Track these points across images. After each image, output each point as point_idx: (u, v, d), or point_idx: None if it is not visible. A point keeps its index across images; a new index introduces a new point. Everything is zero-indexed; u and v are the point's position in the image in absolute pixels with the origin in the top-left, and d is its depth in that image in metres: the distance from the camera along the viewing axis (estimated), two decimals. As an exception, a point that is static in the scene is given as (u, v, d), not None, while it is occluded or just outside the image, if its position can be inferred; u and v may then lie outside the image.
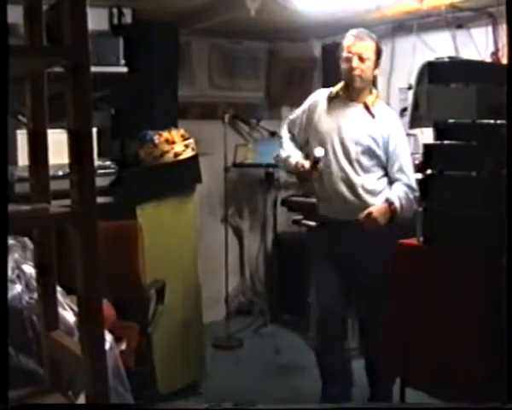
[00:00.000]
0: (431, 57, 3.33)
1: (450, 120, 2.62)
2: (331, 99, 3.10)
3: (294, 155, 3.16)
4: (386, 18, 3.98)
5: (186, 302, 3.59)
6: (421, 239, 2.68)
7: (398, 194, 2.97)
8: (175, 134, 3.49)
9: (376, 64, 3.03)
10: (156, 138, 3.44)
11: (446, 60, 2.90)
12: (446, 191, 2.61)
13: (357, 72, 2.96)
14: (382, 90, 4.43)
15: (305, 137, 3.19)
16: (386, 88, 4.42)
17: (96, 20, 3.40)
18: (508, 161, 1.83)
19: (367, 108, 3.03)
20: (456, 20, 3.75)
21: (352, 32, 3.00)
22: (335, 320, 3.18)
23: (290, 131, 3.25)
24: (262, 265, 5.18)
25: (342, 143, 3.02)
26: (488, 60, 3.56)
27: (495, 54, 3.58)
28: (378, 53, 3.02)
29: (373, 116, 3.02)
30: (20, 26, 1.46)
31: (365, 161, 3.01)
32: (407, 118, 4.08)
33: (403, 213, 2.94)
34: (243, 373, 3.81)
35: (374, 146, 3.00)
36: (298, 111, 3.25)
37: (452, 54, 3.71)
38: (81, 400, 1.58)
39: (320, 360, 3.25)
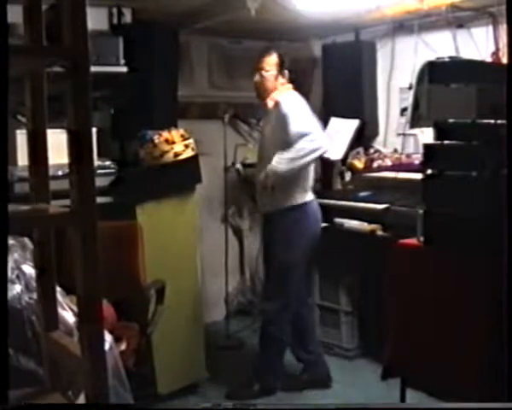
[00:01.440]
0: (431, 57, 3.32)
1: (451, 120, 2.62)
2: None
3: None
4: (387, 18, 3.98)
5: (186, 302, 3.59)
6: (422, 239, 2.68)
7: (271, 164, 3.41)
8: (175, 134, 3.49)
9: (280, 73, 3.53)
10: (156, 138, 3.43)
11: (447, 59, 2.90)
12: (447, 191, 2.61)
13: (257, 84, 3.56)
14: (383, 90, 4.44)
15: None
16: (387, 88, 4.42)
17: (96, 19, 3.40)
18: (508, 161, 1.83)
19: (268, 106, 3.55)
20: (456, 20, 3.75)
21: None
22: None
23: None
24: (262, 265, 5.17)
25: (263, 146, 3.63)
26: (489, 59, 3.56)
27: (495, 53, 3.57)
28: (280, 64, 3.53)
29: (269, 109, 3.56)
30: (20, 26, 1.46)
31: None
32: (407, 118, 4.08)
33: (277, 175, 3.39)
34: (243, 373, 3.80)
35: (280, 136, 3.41)
36: None
37: (453, 53, 3.70)
38: (81, 400, 1.57)
39: None
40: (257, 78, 3.55)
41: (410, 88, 4.05)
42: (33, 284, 1.89)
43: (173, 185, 3.51)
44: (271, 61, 3.53)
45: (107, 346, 1.84)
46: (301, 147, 3.32)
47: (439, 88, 2.69)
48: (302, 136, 3.31)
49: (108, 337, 2.01)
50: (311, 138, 3.32)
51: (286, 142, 3.35)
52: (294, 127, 3.34)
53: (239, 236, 5.11)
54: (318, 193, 3.77)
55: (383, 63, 4.42)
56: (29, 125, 1.51)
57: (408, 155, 4.02)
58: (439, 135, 2.64)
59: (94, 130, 1.76)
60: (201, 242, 3.86)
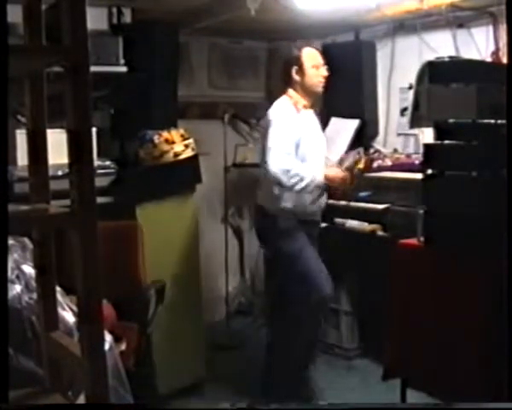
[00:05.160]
0: (431, 57, 3.32)
1: (451, 120, 2.62)
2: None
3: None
4: (387, 17, 3.98)
5: (186, 302, 3.59)
6: (422, 239, 2.68)
7: None
8: (175, 134, 3.49)
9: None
10: (156, 138, 3.43)
11: (447, 59, 2.90)
12: (447, 191, 2.61)
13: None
14: (383, 90, 4.44)
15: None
16: (387, 88, 4.41)
17: (96, 19, 3.40)
18: (508, 161, 1.84)
19: None
20: (456, 20, 3.75)
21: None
22: None
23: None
24: (262, 265, 5.17)
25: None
26: (489, 59, 3.56)
27: (495, 53, 3.57)
28: None
29: None
30: (20, 26, 1.46)
31: None
32: (407, 118, 4.08)
33: None
34: (243, 373, 3.80)
35: None
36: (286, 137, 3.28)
37: (453, 53, 3.70)
38: (81, 400, 1.57)
39: None
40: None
41: (410, 88, 4.06)
42: (33, 284, 1.89)
43: (173, 185, 3.51)
44: None
45: (107, 346, 1.84)
46: None
47: (439, 88, 2.69)
48: None
49: (108, 337, 2.02)
50: None
51: None
52: None
53: (239, 236, 5.11)
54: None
55: (383, 63, 4.41)
56: (29, 125, 1.51)
57: (408, 155, 4.02)
58: (440, 135, 2.64)
59: (94, 130, 1.76)
60: (201, 242, 3.86)
